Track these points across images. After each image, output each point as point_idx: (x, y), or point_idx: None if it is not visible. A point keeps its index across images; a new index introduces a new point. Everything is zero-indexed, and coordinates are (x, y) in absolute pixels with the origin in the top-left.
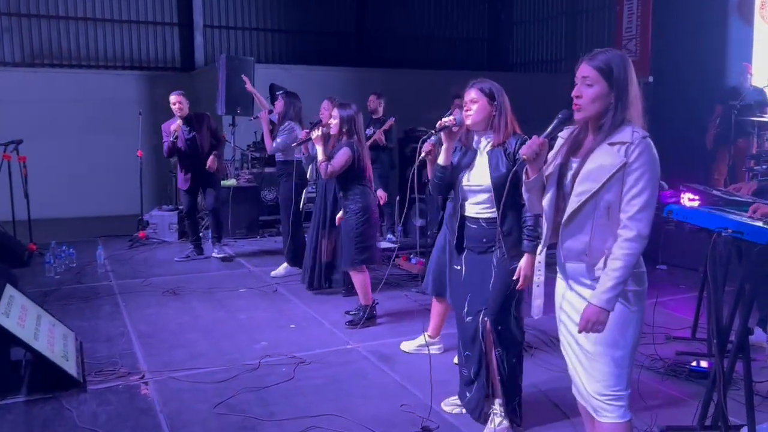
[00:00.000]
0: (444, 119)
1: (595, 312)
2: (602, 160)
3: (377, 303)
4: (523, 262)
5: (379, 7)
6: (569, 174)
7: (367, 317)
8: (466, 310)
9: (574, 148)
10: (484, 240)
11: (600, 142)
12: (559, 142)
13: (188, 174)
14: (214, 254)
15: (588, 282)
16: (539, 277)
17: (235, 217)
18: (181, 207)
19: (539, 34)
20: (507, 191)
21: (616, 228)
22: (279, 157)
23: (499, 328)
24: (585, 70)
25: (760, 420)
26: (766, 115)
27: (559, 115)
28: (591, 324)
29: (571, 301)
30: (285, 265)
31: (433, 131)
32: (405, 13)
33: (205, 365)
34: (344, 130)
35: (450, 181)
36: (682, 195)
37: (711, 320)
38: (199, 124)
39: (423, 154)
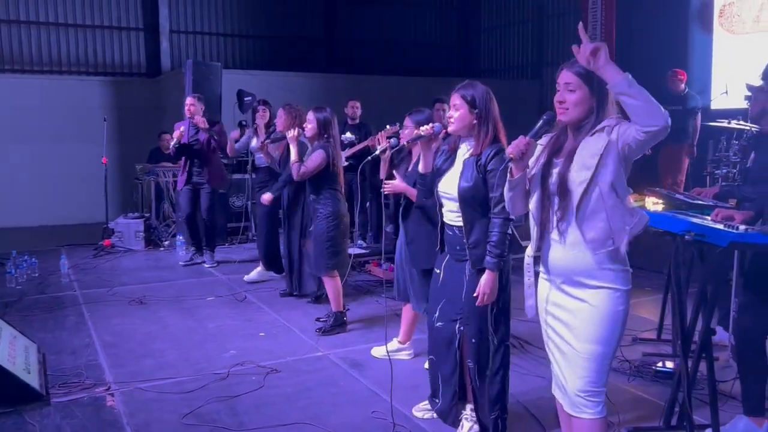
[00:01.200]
0: (422, 128)
1: None
2: (589, 147)
3: (348, 309)
4: (483, 279)
5: (349, 12)
6: (554, 173)
7: (338, 324)
8: (437, 315)
9: (556, 149)
10: (458, 248)
11: (582, 139)
12: (539, 149)
13: (184, 174)
14: (206, 264)
15: (591, 282)
16: (529, 277)
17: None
18: (146, 214)
19: (507, 40)
20: (467, 204)
21: (626, 204)
22: (263, 162)
23: (473, 341)
24: (566, 76)
25: (725, 419)
26: (724, 121)
27: (544, 117)
28: None
29: (559, 302)
30: (259, 268)
31: (404, 143)
32: (374, 19)
33: (173, 375)
34: (322, 133)
35: (431, 186)
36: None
37: (675, 321)
38: (211, 126)
39: (378, 152)
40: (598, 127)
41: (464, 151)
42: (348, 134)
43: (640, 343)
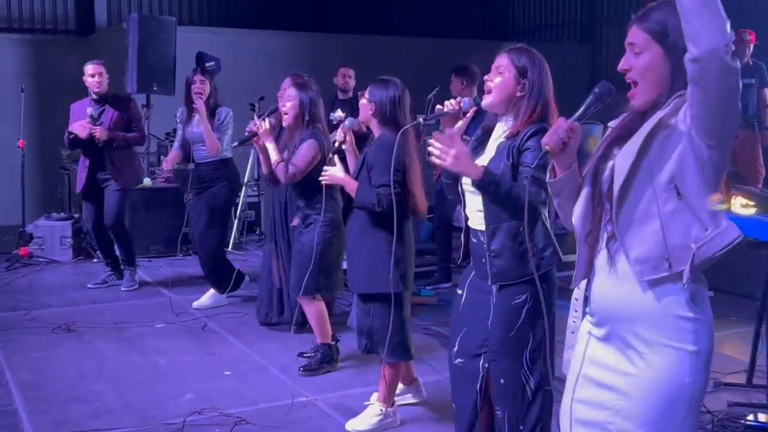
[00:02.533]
0: (447, 103)
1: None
2: (644, 126)
3: (339, 340)
4: None
5: None
6: (608, 167)
7: (327, 360)
8: (456, 348)
9: (623, 135)
10: (483, 260)
11: (648, 119)
12: (606, 132)
13: (86, 170)
14: (122, 288)
15: (645, 334)
16: (575, 320)
17: (150, 229)
18: (76, 215)
19: None
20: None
21: (701, 208)
22: (210, 156)
23: (502, 382)
24: (632, 33)
25: None
26: None
27: (596, 90)
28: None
29: (600, 360)
30: (211, 292)
31: (421, 118)
32: None
33: (111, 425)
34: (305, 118)
35: (455, 182)
36: (732, 200)
37: None
38: (116, 107)
39: (337, 143)
40: (674, 98)
41: (499, 132)
42: (338, 112)
43: (725, 389)
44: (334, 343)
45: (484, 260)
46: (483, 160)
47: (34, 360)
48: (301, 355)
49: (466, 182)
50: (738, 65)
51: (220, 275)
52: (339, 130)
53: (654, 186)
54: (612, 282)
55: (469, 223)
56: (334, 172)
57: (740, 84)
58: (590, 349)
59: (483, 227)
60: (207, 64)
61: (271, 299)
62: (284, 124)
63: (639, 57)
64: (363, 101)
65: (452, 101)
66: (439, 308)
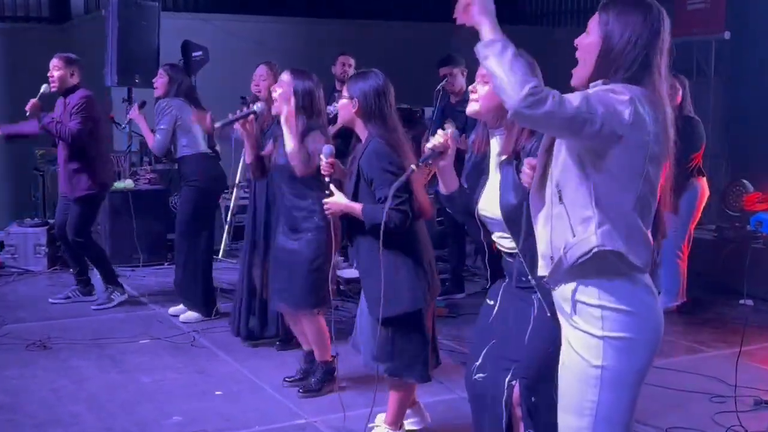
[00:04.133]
0: (428, 144)
1: None
2: None
3: (337, 355)
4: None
5: None
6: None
7: (328, 378)
8: (479, 362)
9: None
10: (524, 279)
11: None
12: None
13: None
14: (92, 306)
15: (573, 322)
16: None
17: (133, 236)
18: (51, 221)
19: None
20: (518, 227)
21: (575, 213)
22: (185, 150)
23: (533, 399)
24: (593, 17)
25: None
26: None
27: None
28: None
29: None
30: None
31: (413, 166)
32: None
33: None
34: (300, 107)
35: (467, 203)
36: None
37: None
38: (70, 104)
39: (327, 178)
40: None
41: (495, 149)
42: (336, 104)
43: (765, 407)
44: (332, 359)
45: (524, 279)
46: (493, 187)
47: (6, 380)
48: (287, 380)
49: (483, 211)
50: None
51: (198, 293)
52: (322, 161)
53: (551, 189)
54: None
55: (500, 248)
56: (335, 201)
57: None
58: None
59: (515, 250)
60: (194, 54)
61: (249, 311)
62: (275, 110)
63: (586, 37)
64: (342, 101)
65: (438, 137)
66: (450, 321)
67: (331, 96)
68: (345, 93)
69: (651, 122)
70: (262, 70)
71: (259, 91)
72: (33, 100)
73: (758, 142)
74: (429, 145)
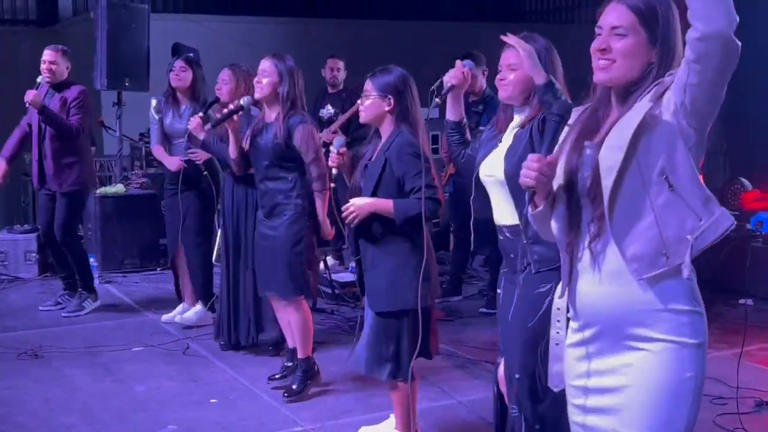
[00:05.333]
0: (450, 73)
1: None
2: (627, 119)
3: (314, 351)
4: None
5: None
6: (585, 163)
7: (310, 376)
8: (501, 349)
9: (589, 129)
10: (512, 256)
11: (627, 108)
12: (564, 131)
13: (36, 163)
14: (63, 313)
15: (641, 333)
16: (558, 331)
17: (124, 241)
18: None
19: None
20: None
21: (692, 197)
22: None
23: (517, 377)
24: (615, 12)
25: None
26: None
27: (553, 111)
28: None
29: (598, 369)
30: (198, 306)
31: (437, 100)
32: None
33: None
34: (283, 93)
35: (466, 150)
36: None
37: None
38: (67, 99)
39: (334, 171)
40: (651, 87)
41: (516, 122)
42: (329, 107)
43: (767, 408)
44: (312, 356)
45: (513, 255)
46: (501, 150)
47: None
48: (272, 378)
49: (486, 173)
50: (739, 43)
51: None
52: (332, 153)
53: (644, 180)
54: (598, 282)
55: (496, 221)
56: (359, 204)
57: (736, 63)
58: (584, 358)
59: (510, 221)
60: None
61: (234, 318)
62: (256, 96)
63: (622, 39)
64: (371, 99)
65: (454, 70)
66: (447, 323)
67: (323, 99)
68: (371, 91)
69: None
70: (225, 74)
71: (221, 95)
72: (33, 91)
73: (756, 140)
74: (446, 78)
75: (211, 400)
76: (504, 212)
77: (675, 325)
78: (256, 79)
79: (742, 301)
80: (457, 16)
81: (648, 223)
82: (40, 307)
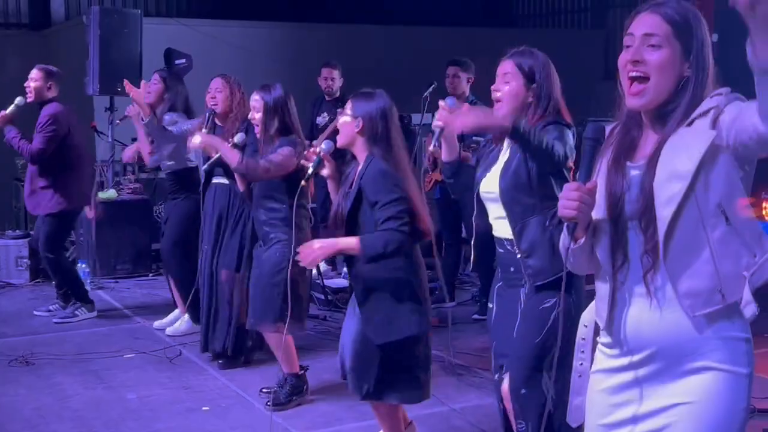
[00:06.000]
0: (435, 121)
1: None
2: (684, 144)
3: (308, 368)
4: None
5: None
6: (630, 186)
7: (297, 392)
8: (493, 364)
9: (626, 149)
10: (512, 269)
11: (671, 130)
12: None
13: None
14: (54, 319)
15: (695, 365)
16: (582, 362)
17: (117, 247)
18: (33, 232)
19: None
20: (510, 197)
21: (746, 231)
22: (169, 166)
23: (522, 392)
24: (648, 22)
25: None
26: None
27: (588, 136)
28: None
29: (651, 406)
30: (186, 317)
31: (430, 148)
32: None
33: None
34: (274, 124)
35: (464, 181)
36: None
37: None
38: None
39: (310, 170)
40: (698, 110)
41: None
42: (324, 115)
43: (759, 415)
44: (302, 373)
45: (512, 269)
46: (498, 166)
47: None
48: (263, 390)
49: (485, 189)
50: None
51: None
52: (317, 155)
53: (701, 212)
54: (655, 314)
55: (494, 233)
56: (317, 247)
57: None
58: (633, 383)
59: (507, 236)
60: (177, 62)
61: (210, 327)
62: (259, 136)
63: (657, 51)
64: (344, 119)
65: (439, 112)
66: (440, 330)
67: (320, 106)
68: (348, 111)
69: None
70: (217, 83)
71: (216, 104)
72: (3, 112)
73: None
74: (434, 124)
75: (203, 408)
76: (504, 227)
77: (732, 354)
78: (250, 115)
79: None
80: (451, 20)
81: (704, 259)
82: (35, 312)
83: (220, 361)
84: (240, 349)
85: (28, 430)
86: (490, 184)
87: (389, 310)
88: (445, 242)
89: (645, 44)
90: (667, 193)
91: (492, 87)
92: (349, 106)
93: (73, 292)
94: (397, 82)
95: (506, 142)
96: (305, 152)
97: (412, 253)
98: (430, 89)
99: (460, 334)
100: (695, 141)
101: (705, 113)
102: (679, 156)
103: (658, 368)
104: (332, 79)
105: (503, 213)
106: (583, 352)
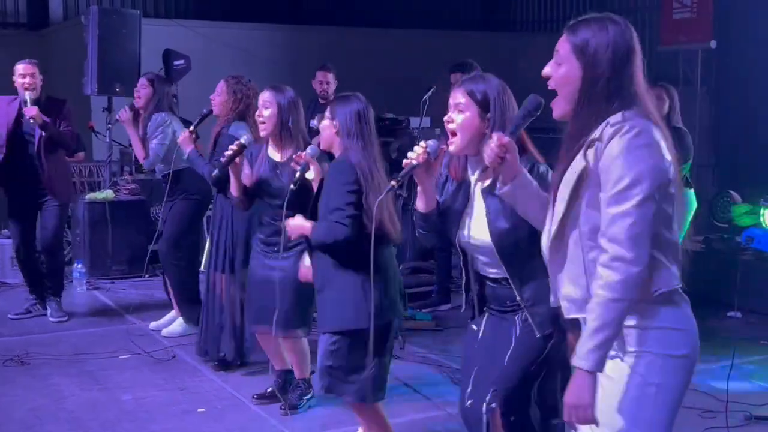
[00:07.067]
0: (410, 154)
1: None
2: (572, 166)
3: (314, 372)
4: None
5: None
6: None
7: (307, 394)
8: (470, 389)
9: (564, 153)
10: (508, 302)
11: (576, 149)
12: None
13: (14, 187)
14: (51, 319)
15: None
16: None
17: (113, 247)
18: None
19: None
20: (508, 252)
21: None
22: (161, 169)
23: (512, 419)
24: (560, 42)
25: None
26: None
27: (526, 105)
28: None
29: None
30: (182, 319)
31: (393, 182)
32: None
33: None
34: (287, 125)
35: (440, 228)
36: (763, 212)
37: None
38: (52, 113)
39: (298, 174)
40: (591, 136)
41: (475, 176)
42: (318, 117)
43: (756, 422)
44: (309, 377)
45: (509, 302)
46: (479, 215)
47: None
48: (256, 396)
49: (473, 237)
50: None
51: (185, 299)
52: (304, 160)
53: (580, 231)
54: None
55: (480, 272)
56: (296, 224)
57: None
58: None
59: (497, 276)
60: (175, 63)
61: (208, 330)
62: (262, 134)
63: (559, 68)
64: (324, 122)
65: (418, 148)
66: (437, 333)
67: (314, 110)
68: (327, 114)
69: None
70: (219, 86)
71: (214, 106)
72: (33, 107)
73: (744, 152)
74: (407, 160)
75: (199, 410)
76: (490, 267)
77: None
78: (257, 113)
79: (730, 313)
80: (449, 24)
81: (579, 272)
82: (9, 316)
83: (215, 363)
84: (236, 352)
85: (24, 431)
86: (478, 233)
87: (334, 301)
88: (437, 247)
89: (555, 60)
90: (558, 207)
91: (444, 118)
92: (328, 110)
93: (57, 284)
94: (396, 86)
95: (473, 181)
96: (293, 156)
97: (368, 250)
98: (429, 93)
99: (456, 338)
100: (573, 168)
101: (592, 143)
102: (568, 176)
103: None
104: (327, 83)
105: (493, 259)
106: None
